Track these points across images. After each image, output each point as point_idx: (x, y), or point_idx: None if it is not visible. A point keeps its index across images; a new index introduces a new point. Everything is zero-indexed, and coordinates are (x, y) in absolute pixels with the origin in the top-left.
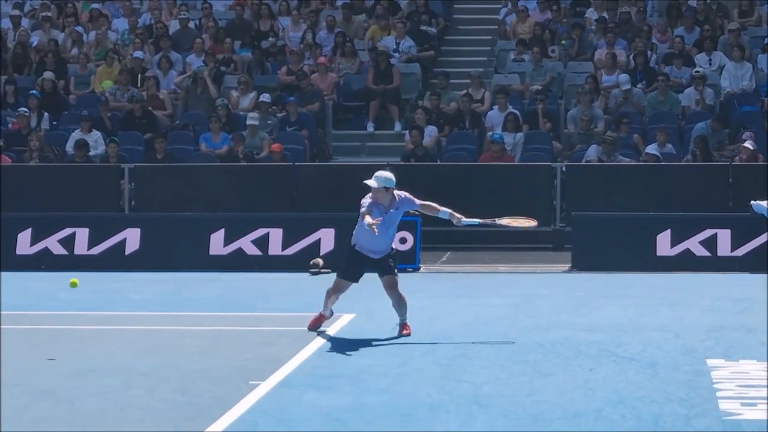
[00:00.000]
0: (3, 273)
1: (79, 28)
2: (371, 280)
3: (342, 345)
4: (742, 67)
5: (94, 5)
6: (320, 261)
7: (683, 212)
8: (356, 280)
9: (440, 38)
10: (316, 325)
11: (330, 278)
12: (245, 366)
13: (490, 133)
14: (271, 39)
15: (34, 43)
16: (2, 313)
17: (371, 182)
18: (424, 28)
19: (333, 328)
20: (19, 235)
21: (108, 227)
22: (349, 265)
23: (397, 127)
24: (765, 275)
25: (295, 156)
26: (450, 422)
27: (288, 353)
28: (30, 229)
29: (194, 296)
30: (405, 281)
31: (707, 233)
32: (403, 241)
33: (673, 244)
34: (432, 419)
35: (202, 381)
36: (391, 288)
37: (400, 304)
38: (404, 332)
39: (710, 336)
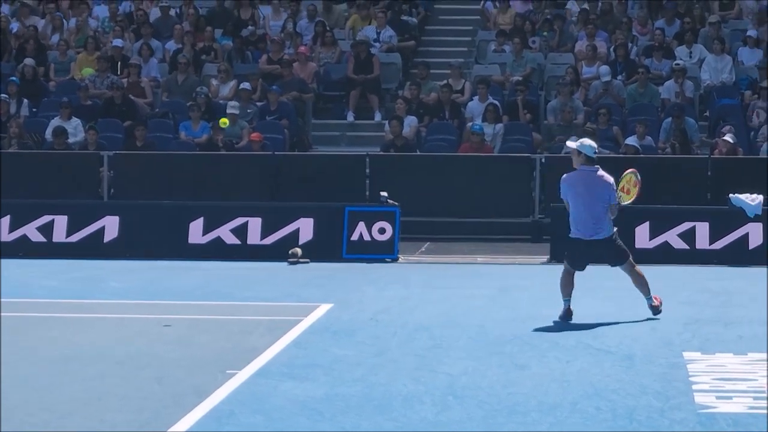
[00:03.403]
0: None
1: (60, 15)
2: (347, 270)
3: (318, 335)
4: (722, 60)
5: None
6: (299, 250)
7: (662, 205)
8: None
9: (421, 28)
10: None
11: (308, 267)
12: (222, 355)
13: (470, 124)
14: (251, 27)
15: (15, 30)
16: None
17: (570, 142)
18: (404, 17)
19: (309, 318)
20: None
21: (87, 215)
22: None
23: (377, 117)
24: (744, 269)
25: (274, 145)
26: (425, 413)
27: (265, 343)
28: (8, 216)
29: (172, 285)
30: (383, 271)
31: (686, 226)
32: (381, 231)
33: (652, 237)
34: (407, 410)
35: (179, 370)
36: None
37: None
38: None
39: (687, 329)
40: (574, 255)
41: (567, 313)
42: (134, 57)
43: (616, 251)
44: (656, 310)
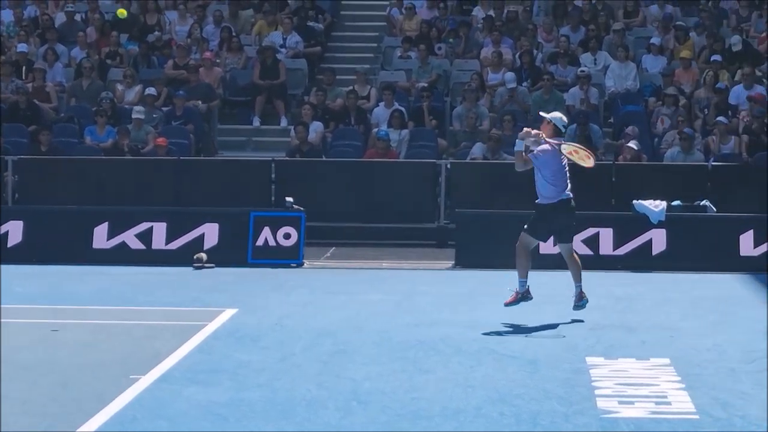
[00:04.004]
0: None
1: None
2: (252, 275)
3: (222, 340)
4: (627, 67)
5: None
6: (204, 255)
7: None
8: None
9: (327, 34)
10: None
11: (213, 273)
12: (126, 360)
13: (376, 130)
14: (157, 33)
15: None
16: None
17: (544, 113)
18: (311, 23)
19: (214, 323)
20: None
21: None
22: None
23: (283, 122)
24: (647, 274)
25: (180, 150)
26: (329, 418)
27: (169, 348)
28: None
29: (76, 290)
30: (288, 277)
31: (590, 232)
32: (287, 236)
33: (556, 242)
34: (311, 415)
35: (82, 375)
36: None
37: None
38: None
39: (591, 334)
40: (546, 220)
41: (526, 294)
42: (39, 62)
43: (571, 227)
44: (580, 299)
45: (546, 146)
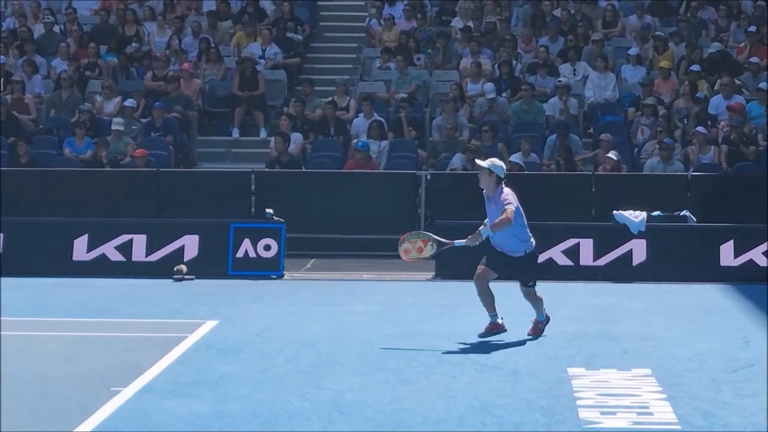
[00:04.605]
0: None
1: None
2: (233, 287)
3: (204, 352)
4: (606, 77)
5: None
6: (184, 267)
7: (546, 221)
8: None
9: (306, 45)
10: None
11: (193, 284)
12: (107, 372)
13: (355, 141)
14: (136, 44)
15: None
16: None
17: (481, 161)
18: (290, 35)
19: (195, 335)
20: None
21: None
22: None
23: (263, 133)
24: (627, 285)
25: (159, 161)
26: (311, 429)
27: (150, 359)
28: None
29: (57, 302)
30: (269, 288)
31: (570, 242)
32: (267, 248)
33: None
34: (293, 426)
35: (63, 387)
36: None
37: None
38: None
39: (572, 344)
40: (537, 263)
41: (547, 319)
42: (18, 73)
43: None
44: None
45: (509, 197)
